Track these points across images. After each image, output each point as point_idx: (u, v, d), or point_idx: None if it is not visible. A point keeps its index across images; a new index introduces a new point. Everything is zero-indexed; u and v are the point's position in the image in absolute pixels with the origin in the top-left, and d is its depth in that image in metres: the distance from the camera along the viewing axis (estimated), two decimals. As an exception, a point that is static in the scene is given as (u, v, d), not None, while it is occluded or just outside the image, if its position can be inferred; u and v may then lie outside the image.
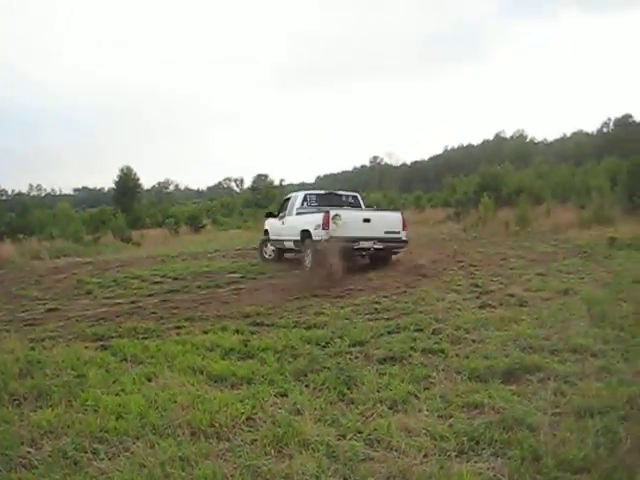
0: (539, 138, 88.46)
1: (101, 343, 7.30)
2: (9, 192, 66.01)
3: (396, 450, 3.96)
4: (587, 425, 4.12)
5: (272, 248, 16.79)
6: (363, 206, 16.01)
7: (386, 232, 13.50)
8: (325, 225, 12.73)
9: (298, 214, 15.08)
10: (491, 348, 6.25)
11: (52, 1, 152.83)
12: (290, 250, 15.68)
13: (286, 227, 15.42)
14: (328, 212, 12.90)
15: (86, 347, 7.07)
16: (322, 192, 16.25)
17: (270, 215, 17.63)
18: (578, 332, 6.70)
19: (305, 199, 15.66)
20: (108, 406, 4.83)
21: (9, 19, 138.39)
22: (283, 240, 15.60)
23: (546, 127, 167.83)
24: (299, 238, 14.05)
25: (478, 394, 4.90)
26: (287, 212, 15.71)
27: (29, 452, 4.14)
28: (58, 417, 4.70)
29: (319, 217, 13.14)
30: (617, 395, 4.67)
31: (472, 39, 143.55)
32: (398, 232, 13.69)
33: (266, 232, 17.27)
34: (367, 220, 13.43)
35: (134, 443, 4.19)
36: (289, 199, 16.23)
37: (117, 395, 5.15)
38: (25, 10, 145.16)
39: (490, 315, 7.86)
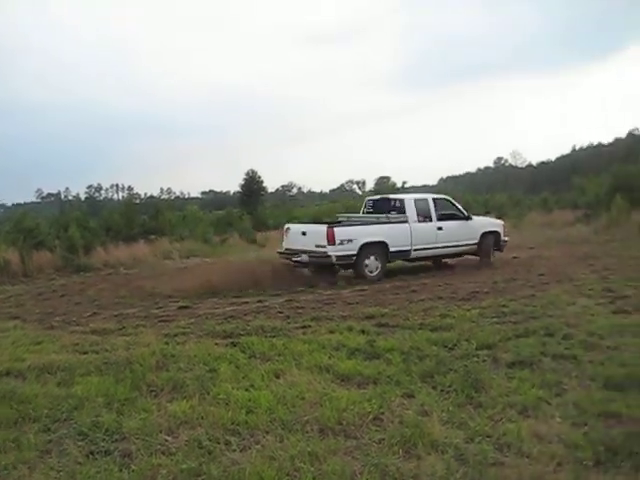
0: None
1: (230, 340, 7.54)
2: (142, 195, 69.42)
3: (527, 456, 3.84)
4: None
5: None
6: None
7: (316, 245, 13.02)
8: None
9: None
10: (628, 356, 5.91)
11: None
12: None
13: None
14: None
15: (216, 343, 7.34)
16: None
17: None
18: None
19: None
20: (239, 400, 5.02)
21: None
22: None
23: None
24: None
25: (615, 403, 4.65)
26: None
27: (167, 440, 4.37)
28: (192, 408, 4.93)
29: None
30: None
31: (598, 37, 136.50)
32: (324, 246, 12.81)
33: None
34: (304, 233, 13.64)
35: (264, 437, 4.32)
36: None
37: (247, 390, 5.32)
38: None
39: (626, 321, 7.45)
